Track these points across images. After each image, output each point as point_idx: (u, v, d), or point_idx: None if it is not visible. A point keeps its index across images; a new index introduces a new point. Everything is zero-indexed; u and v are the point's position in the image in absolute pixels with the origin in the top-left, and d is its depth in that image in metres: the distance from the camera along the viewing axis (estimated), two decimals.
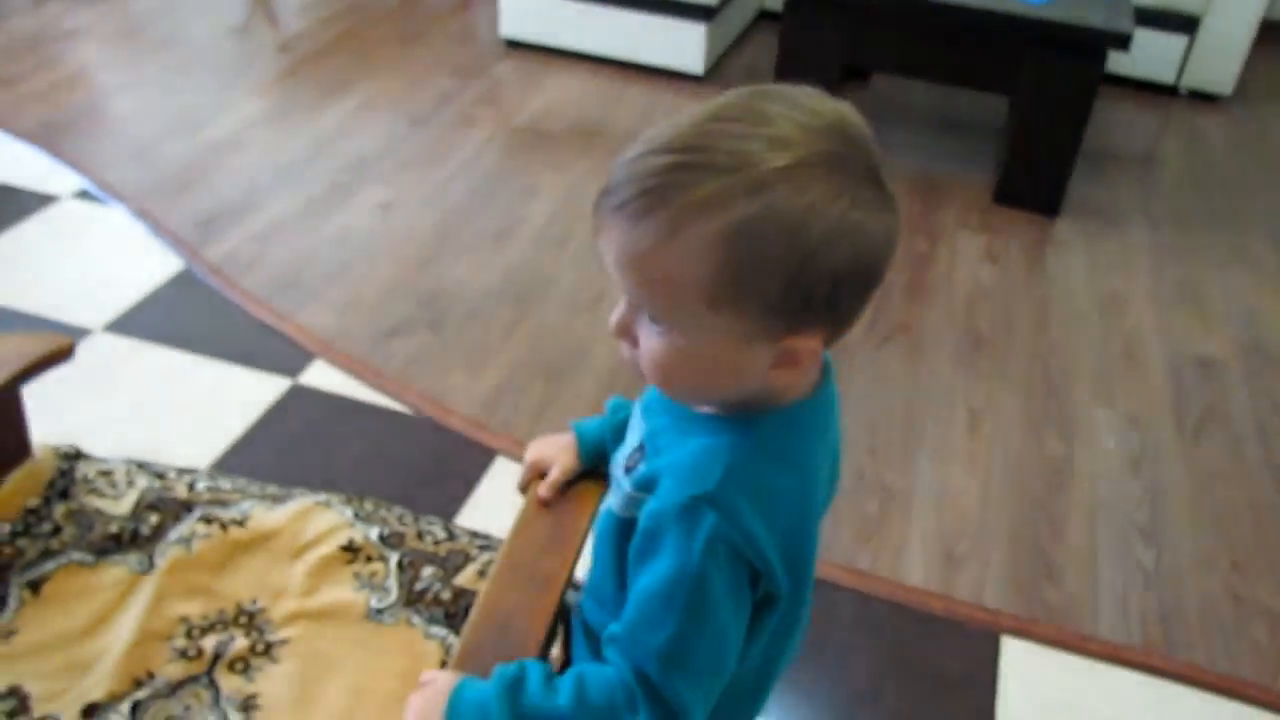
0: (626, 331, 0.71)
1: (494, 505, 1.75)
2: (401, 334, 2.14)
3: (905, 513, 1.82)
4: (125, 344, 2.04)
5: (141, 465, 1.16)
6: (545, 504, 0.97)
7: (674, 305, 0.66)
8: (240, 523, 1.08)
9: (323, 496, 1.14)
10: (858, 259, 0.65)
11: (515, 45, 3.49)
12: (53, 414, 1.79)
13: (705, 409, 0.76)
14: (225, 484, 1.16)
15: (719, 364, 0.68)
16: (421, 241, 2.45)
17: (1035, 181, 2.72)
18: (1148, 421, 2.09)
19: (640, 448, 0.79)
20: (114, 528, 1.07)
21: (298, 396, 1.94)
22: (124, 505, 1.09)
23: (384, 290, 2.27)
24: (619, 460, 0.83)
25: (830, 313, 0.67)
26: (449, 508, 1.73)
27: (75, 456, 1.14)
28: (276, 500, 1.13)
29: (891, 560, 1.74)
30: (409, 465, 1.82)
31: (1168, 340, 2.34)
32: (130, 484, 1.12)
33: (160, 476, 1.14)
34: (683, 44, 3.30)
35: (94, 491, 1.10)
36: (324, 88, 3.15)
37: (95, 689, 0.92)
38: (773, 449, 0.72)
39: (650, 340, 0.69)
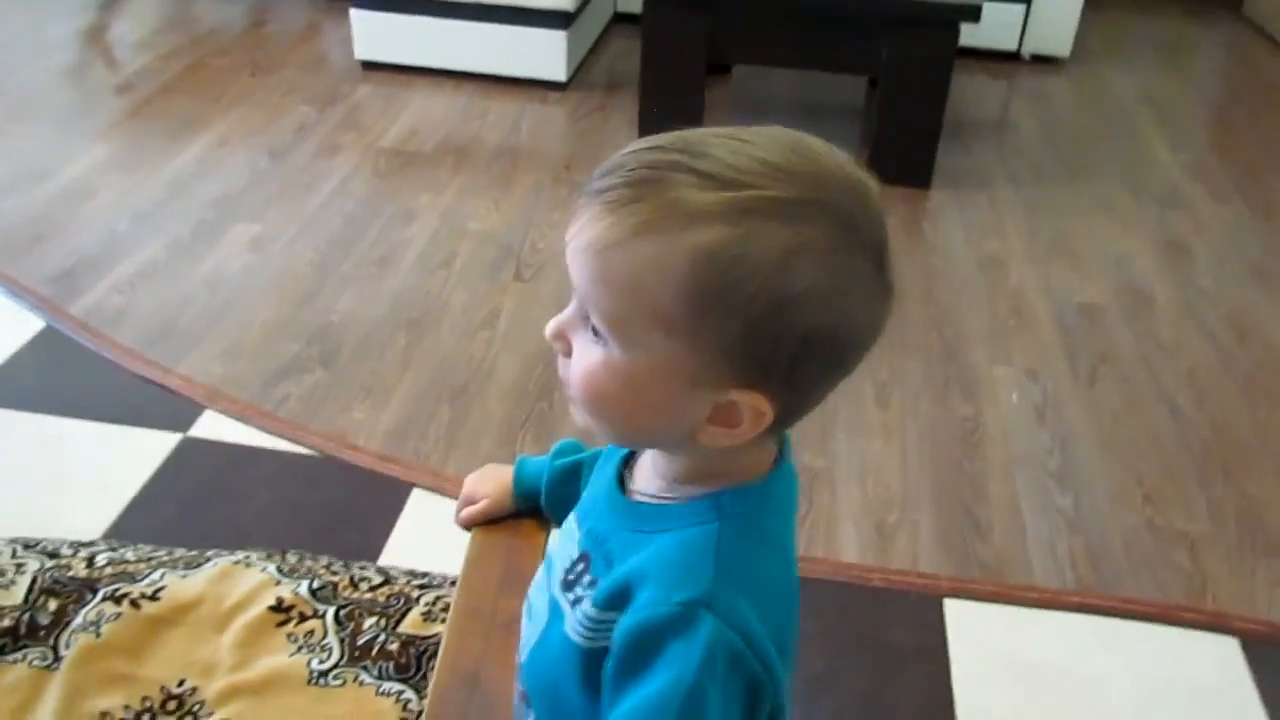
0: (562, 337, 0.63)
1: (418, 539, 1.68)
2: (293, 374, 2.04)
3: (830, 491, 1.83)
4: None
5: (29, 544, 1.05)
6: (462, 526, 0.94)
7: (624, 315, 0.58)
8: (153, 596, 0.98)
9: (240, 554, 1.05)
10: (836, 330, 0.58)
11: (372, 67, 3.39)
12: None
13: (654, 493, 0.68)
14: (129, 554, 1.06)
15: (650, 397, 0.60)
16: (300, 276, 2.35)
17: (905, 156, 2.78)
18: (1045, 373, 2.15)
19: (583, 558, 0.68)
20: (7, 621, 0.95)
21: (190, 450, 1.83)
22: (15, 594, 0.98)
23: (268, 330, 2.16)
24: (554, 578, 0.71)
25: (788, 381, 0.59)
26: (371, 547, 1.65)
27: None
28: (189, 565, 1.03)
29: (825, 540, 1.74)
30: (322, 509, 1.73)
31: (1049, 293, 2.42)
32: (19, 568, 1.01)
33: (53, 555, 1.03)
34: (543, 53, 3.27)
35: None
36: (174, 126, 2.99)
37: None
38: (755, 530, 0.64)
39: (585, 351, 0.61)
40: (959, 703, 1.48)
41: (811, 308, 0.56)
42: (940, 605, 1.63)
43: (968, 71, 3.50)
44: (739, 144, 0.57)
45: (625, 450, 0.72)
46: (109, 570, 1.02)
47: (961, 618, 1.61)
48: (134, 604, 0.97)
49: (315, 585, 1.01)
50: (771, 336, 0.56)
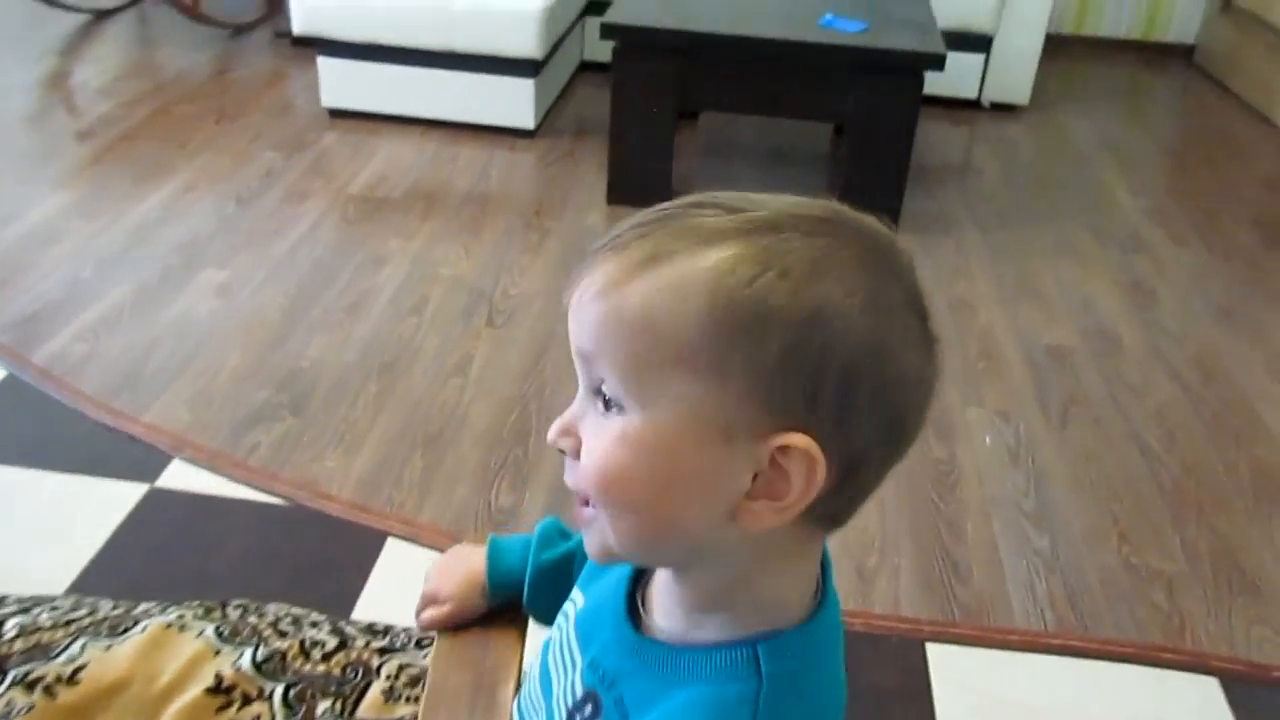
0: (569, 433, 0.56)
1: (393, 589, 1.64)
2: (263, 421, 2.00)
3: None
4: None
5: None
6: (428, 628, 0.83)
7: (640, 361, 0.51)
8: (71, 679, 0.83)
9: (173, 612, 0.90)
10: (880, 360, 0.51)
11: (339, 114, 3.39)
12: None
13: (674, 631, 0.59)
14: (44, 617, 0.89)
15: (680, 465, 0.52)
16: (269, 322, 2.32)
17: (872, 200, 2.72)
18: (1016, 414, 2.17)
19: (589, 699, 0.61)
20: None
21: (157, 501, 1.78)
22: None
23: (237, 377, 2.13)
24: (556, 708, 0.65)
25: (838, 419, 0.51)
26: (345, 598, 1.61)
27: None
28: (114, 629, 0.88)
29: None
30: (293, 560, 1.69)
31: (1018, 335, 2.44)
32: None
33: None
34: (511, 101, 3.28)
35: None
36: (138, 172, 2.96)
37: None
38: (797, 692, 0.56)
39: (598, 431, 0.54)
40: None
41: (849, 324, 0.50)
42: (923, 649, 1.62)
43: (930, 119, 3.56)
44: (752, 192, 0.55)
45: None
46: (19, 644, 0.86)
47: (944, 661, 1.60)
48: (48, 691, 0.82)
49: (260, 656, 0.87)
50: (810, 359, 0.50)
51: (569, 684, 0.63)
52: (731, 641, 0.56)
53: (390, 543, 1.74)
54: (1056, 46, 4.00)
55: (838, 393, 0.50)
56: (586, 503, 0.56)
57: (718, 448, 0.51)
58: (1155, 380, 2.30)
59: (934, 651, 1.61)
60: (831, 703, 0.59)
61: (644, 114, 2.82)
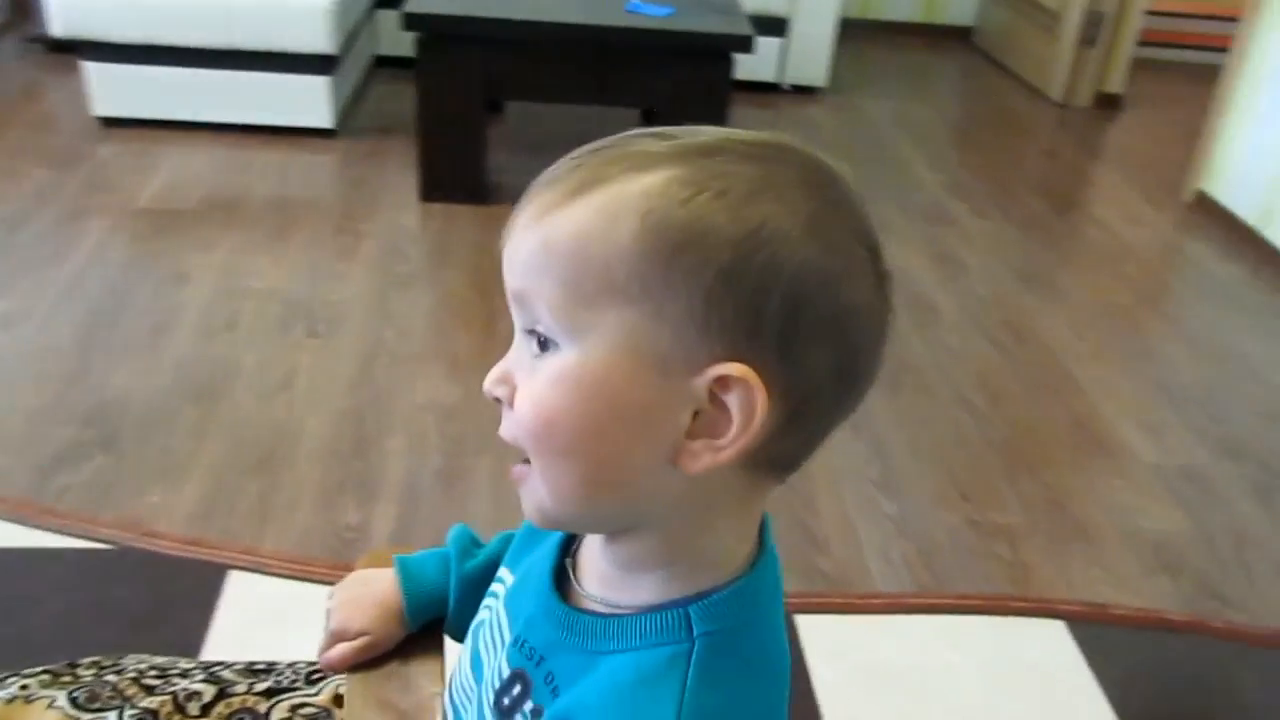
0: (505, 381, 0.52)
1: (244, 624, 1.53)
2: (70, 461, 1.82)
3: None
4: None
5: None
6: (338, 668, 0.74)
7: (573, 290, 0.48)
8: None
9: (14, 684, 0.77)
10: (826, 290, 0.48)
11: (114, 123, 3.12)
12: None
13: (603, 596, 0.56)
14: None
15: (619, 404, 0.49)
16: (63, 354, 2.11)
17: None
18: None
19: (517, 678, 0.57)
20: None
21: None
22: None
23: (32, 417, 1.92)
24: (485, 689, 0.60)
25: (782, 352, 0.48)
26: (190, 642, 1.48)
27: None
28: None
29: None
30: (128, 608, 1.54)
31: None
32: None
33: None
34: (306, 100, 3.12)
35: None
36: None
37: None
38: (733, 654, 0.52)
39: (534, 373, 0.51)
40: (825, 715, 1.49)
41: (792, 245, 0.47)
42: (792, 622, 1.64)
43: (734, 103, 3.63)
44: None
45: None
46: None
47: (814, 631, 1.62)
48: None
49: None
50: (749, 281, 0.47)
51: (496, 663, 0.59)
52: (663, 604, 0.53)
53: (233, 576, 1.61)
54: (847, 30, 4.16)
55: (781, 320, 0.47)
56: (526, 461, 0.53)
57: (655, 381, 0.48)
58: (973, 344, 2.42)
59: (803, 623, 1.64)
60: (771, 664, 0.56)
61: (451, 107, 2.73)
